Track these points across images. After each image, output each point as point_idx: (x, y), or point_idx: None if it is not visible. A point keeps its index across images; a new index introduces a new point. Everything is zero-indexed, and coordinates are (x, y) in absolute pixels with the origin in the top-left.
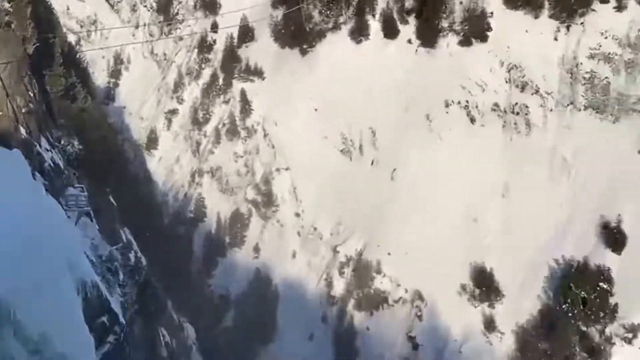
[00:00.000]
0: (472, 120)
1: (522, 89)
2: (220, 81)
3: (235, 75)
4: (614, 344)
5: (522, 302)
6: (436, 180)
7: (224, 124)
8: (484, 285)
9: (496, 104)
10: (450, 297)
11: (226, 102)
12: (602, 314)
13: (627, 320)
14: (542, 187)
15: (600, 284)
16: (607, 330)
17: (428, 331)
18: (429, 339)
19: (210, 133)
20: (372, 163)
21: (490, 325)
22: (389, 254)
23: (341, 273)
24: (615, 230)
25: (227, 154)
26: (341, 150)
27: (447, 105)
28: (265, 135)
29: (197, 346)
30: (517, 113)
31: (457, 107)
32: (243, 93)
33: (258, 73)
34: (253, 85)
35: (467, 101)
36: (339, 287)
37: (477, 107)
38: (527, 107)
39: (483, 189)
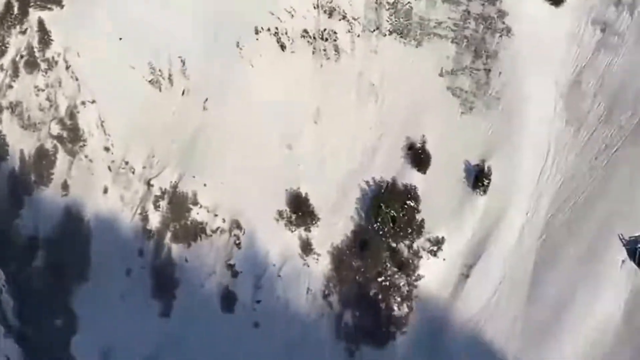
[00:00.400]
0: (283, 47)
1: (330, 14)
2: (15, 10)
3: (31, 4)
4: (421, 257)
5: (336, 224)
6: (249, 108)
7: (21, 56)
8: (300, 210)
9: (305, 31)
10: (268, 223)
11: (23, 32)
12: (409, 230)
13: (432, 235)
14: (352, 112)
15: (408, 202)
16: (415, 245)
17: (247, 258)
18: (248, 265)
19: (7, 66)
20: (183, 93)
21: (307, 248)
22: (204, 184)
23: (156, 206)
24: (420, 151)
25: (27, 88)
26: (150, 81)
27: (257, 32)
28: (67, 67)
29: (7, 289)
30: (326, 39)
31: (266, 33)
32: (41, 22)
33: (56, 1)
34: (51, 13)
35: (276, 28)
36: (154, 220)
37: (286, 33)
38: (335, 33)
39: (296, 115)
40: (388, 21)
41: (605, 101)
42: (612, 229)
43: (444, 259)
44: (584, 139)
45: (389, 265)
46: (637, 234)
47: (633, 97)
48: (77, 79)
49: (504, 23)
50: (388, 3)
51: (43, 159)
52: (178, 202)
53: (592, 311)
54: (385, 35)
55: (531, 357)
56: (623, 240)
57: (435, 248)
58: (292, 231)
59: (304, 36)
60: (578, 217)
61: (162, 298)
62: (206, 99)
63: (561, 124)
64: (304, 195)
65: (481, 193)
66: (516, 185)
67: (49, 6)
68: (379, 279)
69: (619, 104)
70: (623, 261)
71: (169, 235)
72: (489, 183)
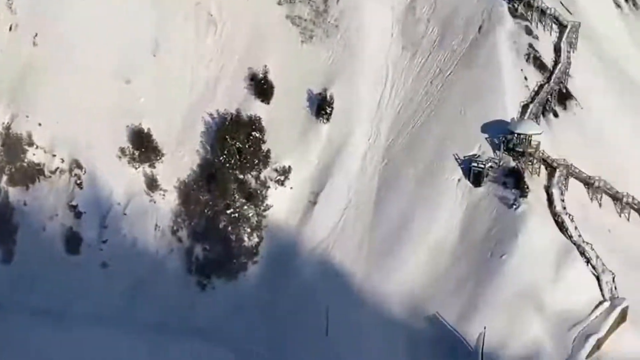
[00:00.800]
0: None
1: None
2: None
3: None
4: (269, 187)
5: (181, 159)
6: (83, 42)
7: None
8: (143, 146)
9: None
10: (110, 161)
11: None
12: (256, 161)
13: (278, 164)
14: (191, 44)
15: (253, 133)
16: (262, 175)
17: (90, 198)
18: (92, 205)
19: None
20: (10, 28)
21: (152, 184)
22: (39, 124)
23: None
24: (262, 81)
25: None
26: None
27: None
28: None
29: None
30: None
31: None
32: None
33: None
34: None
35: None
36: None
37: None
38: None
39: (133, 48)
40: None
41: (438, 26)
42: (447, 150)
43: (291, 188)
44: (419, 63)
45: (237, 197)
46: (471, 154)
47: (463, 22)
48: None
49: None
50: None
51: None
52: (12, 144)
53: (431, 230)
54: None
55: (376, 277)
56: (458, 160)
57: (282, 177)
58: (135, 168)
59: None
60: (416, 140)
61: (2, 243)
62: (36, 34)
63: (398, 50)
64: (146, 130)
65: (324, 121)
66: (358, 111)
67: None
68: (228, 211)
69: (450, 28)
70: (459, 180)
71: (4, 178)
72: (331, 111)
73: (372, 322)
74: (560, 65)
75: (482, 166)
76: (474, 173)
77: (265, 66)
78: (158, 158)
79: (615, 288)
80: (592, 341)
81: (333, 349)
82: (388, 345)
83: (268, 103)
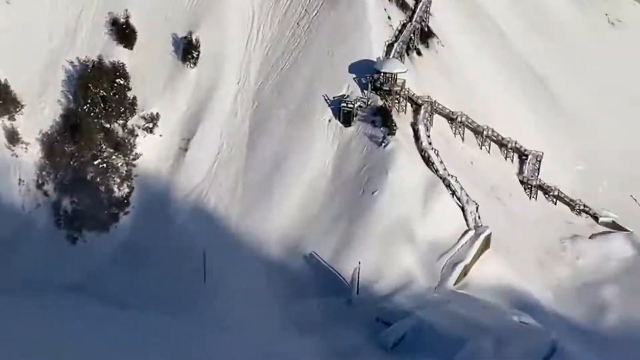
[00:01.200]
0: None
1: None
2: None
3: None
4: (137, 135)
5: (42, 110)
6: None
7: None
8: (0, 98)
9: None
10: None
11: None
12: (122, 109)
13: (146, 112)
14: None
15: (117, 80)
16: (129, 124)
17: None
18: None
19: None
20: None
21: (13, 137)
22: None
23: None
24: (124, 26)
25: None
26: None
27: None
28: None
29: None
30: None
31: None
32: None
33: None
34: None
35: None
36: None
37: None
38: None
39: None
40: None
41: None
42: (317, 91)
43: (160, 135)
44: (285, 4)
45: (104, 147)
46: (340, 94)
47: None
48: None
49: None
50: None
51: None
52: None
53: (303, 170)
54: None
55: (252, 220)
56: (328, 101)
57: (150, 125)
58: None
59: None
60: (285, 82)
61: None
62: None
63: None
64: (2, 81)
65: (191, 65)
66: (225, 54)
67: None
68: (95, 162)
69: None
70: (329, 120)
71: None
72: (198, 55)
73: (250, 265)
74: (421, 3)
75: (352, 106)
76: (343, 113)
77: (127, 10)
78: (17, 110)
79: (479, 217)
80: (459, 269)
81: (212, 294)
82: (267, 286)
83: (131, 49)
